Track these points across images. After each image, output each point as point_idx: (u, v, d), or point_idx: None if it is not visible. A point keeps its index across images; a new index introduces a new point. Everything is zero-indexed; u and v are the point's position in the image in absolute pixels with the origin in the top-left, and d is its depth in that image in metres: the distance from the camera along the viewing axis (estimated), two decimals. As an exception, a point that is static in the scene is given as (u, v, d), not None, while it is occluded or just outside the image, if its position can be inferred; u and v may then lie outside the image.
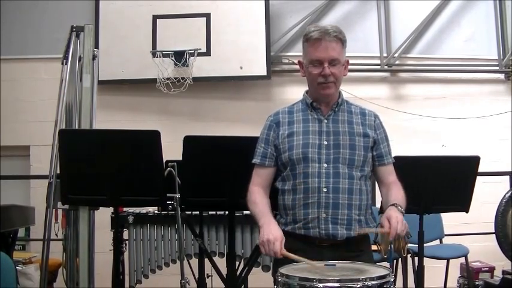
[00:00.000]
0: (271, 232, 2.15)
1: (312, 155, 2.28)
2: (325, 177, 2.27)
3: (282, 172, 2.36)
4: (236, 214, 3.05)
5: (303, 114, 2.38)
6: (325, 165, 2.28)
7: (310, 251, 2.25)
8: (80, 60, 3.46)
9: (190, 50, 5.19)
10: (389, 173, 2.41)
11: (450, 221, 4.70)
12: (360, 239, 2.32)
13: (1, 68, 5.41)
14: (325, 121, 2.34)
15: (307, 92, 2.43)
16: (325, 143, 2.30)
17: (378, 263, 2.19)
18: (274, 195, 2.41)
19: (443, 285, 4.59)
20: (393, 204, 2.23)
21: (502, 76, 5.86)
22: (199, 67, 5.24)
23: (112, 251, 3.20)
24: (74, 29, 3.44)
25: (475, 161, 3.19)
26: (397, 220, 2.12)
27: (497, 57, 5.83)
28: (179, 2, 5.37)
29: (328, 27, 2.30)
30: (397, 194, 2.33)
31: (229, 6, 5.38)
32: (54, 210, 3.24)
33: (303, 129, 2.34)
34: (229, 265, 2.97)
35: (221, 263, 3.16)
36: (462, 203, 3.24)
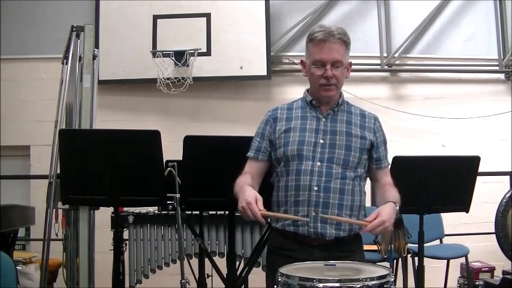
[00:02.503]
0: (246, 196, 2.13)
1: (307, 153, 2.28)
2: (317, 176, 2.26)
3: (276, 168, 2.36)
4: (236, 214, 3.03)
5: (301, 111, 2.38)
6: (318, 163, 2.27)
7: (301, 250, 2.26)
8: (80, 60, 3.45)
9: (190, 50, 5.19)
10: (386, 175, 2.42)
11: (450, 221, 4.70)
12: (350, 240, 2.32)
13: (1, 68, 5.41)
14: (324, 120, 2.34)
15: (307, 90, 2.43)
16: (321, 141, 2.30)
17: (378, 263, 2.19)
18: (269, 192, 2.40)
19: (443, 285, 4.59)
20: (393, 202, 2.23)
21: (502, 76, 5.86)
22: (200, 67, 5.24)
23: (112, 251, 3.20)
24: (74, 29, 3.44)
25: (475, 161, 3.18)
26: (382, 220, 2.11)
27: (497, 57, 5.83)
28: (179, 2, 5.37)
29: (333, 28, 2.29)
30: (395, 194, 2.32)
31: (229, 6, 5.38)
32: (54, 210, 3.24)
33: (300, 126, 2.34)
34: (230, 265, 2.97)
35: (221, 263, 3.16)
36: (462, 203, 3.23)
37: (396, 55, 5.74)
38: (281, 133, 2.35)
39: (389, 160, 2.49)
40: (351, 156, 2.30)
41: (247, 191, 2.17)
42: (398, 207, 2.23)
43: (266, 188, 2.41)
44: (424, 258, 3.31)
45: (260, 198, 2.14)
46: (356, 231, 2.33)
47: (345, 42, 2.29)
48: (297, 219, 2.22)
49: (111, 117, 5.13)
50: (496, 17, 5.81)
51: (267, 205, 2.36)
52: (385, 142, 2.42)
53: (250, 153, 2.41)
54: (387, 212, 2.16)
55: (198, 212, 3.28)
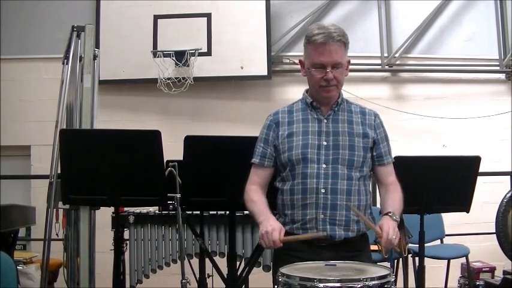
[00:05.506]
0: (270, 224, 2.17)
1: (311, 156, 2.28)
2: (324, 178, 2.26)
3: (282, 172, 2.36)
4: (237, 214, 3.05)
5: (302, 113, 2.37)
6: (324, 165, 2.27)
7: (309, 251, 2.26)
8: (80, 60, 3.45)
9: (191, 50, 5.19)
10: (388, 173, 2.40)
11: (451, 221, 4.70)
12: (358, 239, 2.33)
13: (1, 68, 5.41)
14: (325, 121, 2.34)
15: (307, 91, 2.42)
16: (325, 143, 2.30)
17: (378, 263, 2.19)
18: (273, 194, 2.40)
19: (444, 286, 4.59)
20: (387, 213, 2.23)
21: (502, 76, 5.86)
22: (200, 67, 5.24)
23: (113, 251, 3.20)
24: (75, 29, 3.44)
25: (475, 161, 3.19)
26: (388, 226, 2.13)
27: (497, 57, 5.83)
28: (180, 2, 5.38)
29: (332, 29, 2.26)
30: (394, 198, 2.32)
31: (230, 6, 5.39)
32: (54, 210, 3.24)
33: (302, 129, 2.33)
34: (230, 265, 2.97)
35: (222, 263, 3.16)
36: (463, 203, 3.24)
37: (397, 55, 5.74)
38: (284, 138, 2.34)
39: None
40: (355, 155, 2.29)
41: (271, 221, 2.20)
42: (394, 215, 2.21)
43: (268, 190, 2.41)
44: (425, 258, 3.31)
45: (282, 229, 2.17)
46: (364, 231, 2.34)
47: (344, 43, 2.28)
48: (317, 237, 2.20)
49: (111, 117, 5.13)
50: (497, 17, 5.81)
51: (272, 207, 2.36)
52: (386, 138, 2.41)
53: (255, 160, 2.39)
54: (386, 221, 2.18)
55: (198, 212, 3.28)
